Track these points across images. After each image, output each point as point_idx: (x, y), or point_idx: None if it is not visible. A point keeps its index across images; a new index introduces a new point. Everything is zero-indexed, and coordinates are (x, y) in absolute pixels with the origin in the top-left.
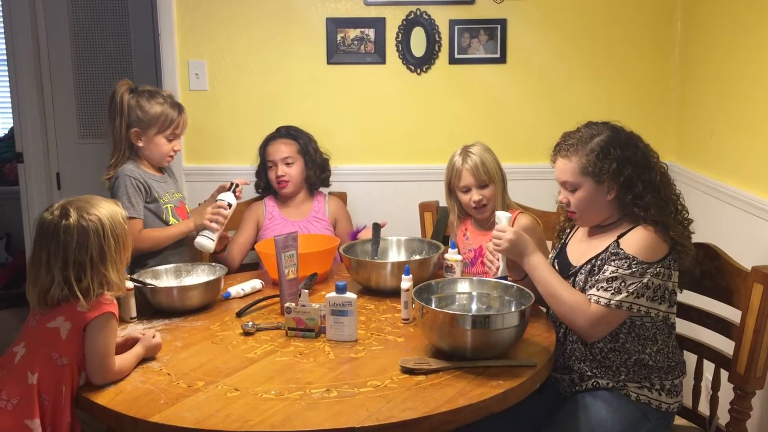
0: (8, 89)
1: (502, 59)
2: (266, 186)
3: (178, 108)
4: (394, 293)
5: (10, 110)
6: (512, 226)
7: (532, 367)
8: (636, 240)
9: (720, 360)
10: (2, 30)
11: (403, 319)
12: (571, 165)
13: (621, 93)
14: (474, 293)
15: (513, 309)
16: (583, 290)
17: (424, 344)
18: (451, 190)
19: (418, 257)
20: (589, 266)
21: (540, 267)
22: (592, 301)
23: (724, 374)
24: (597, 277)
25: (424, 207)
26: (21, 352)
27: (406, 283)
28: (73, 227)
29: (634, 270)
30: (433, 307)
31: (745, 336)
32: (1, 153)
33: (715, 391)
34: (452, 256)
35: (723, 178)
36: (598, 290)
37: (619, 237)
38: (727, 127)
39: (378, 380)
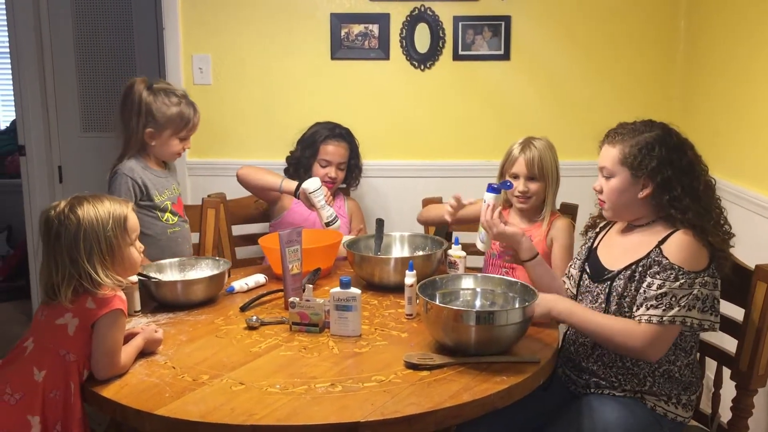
0: (11, 82)
1: (506, 56)
2: (298, 173)
3: (193, 107)
4: (397, 289)
5: (13, 103)
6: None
7: (536, 363)
8: (679, 247)
9: (723, 358)
10: (5, 23)
11: (407, 315)
12: (613, 152)
13: (625, 90)
14: (478, 289)
15: (517, 305)
16: (621, 296)
17: (428, 340)
18: (502, 174)
19: (421, 253)
20: (628, 272)
21: (573, 312)
22: (644, 321)
23: (726, 372)
24: (645, 295)
25: (427, 203)
26: (30, 347)
27: (409, 278)
28: (52, 220)
29: (682, 282)
30: (437, 302)
31: (748, 334)
32: (4, 145)
33: (717, 389)
34: (455, 252)
35: (727, 177)
36: (648, 309)
37: (660, 243)
38: (731, 126)
39: (382, 375)
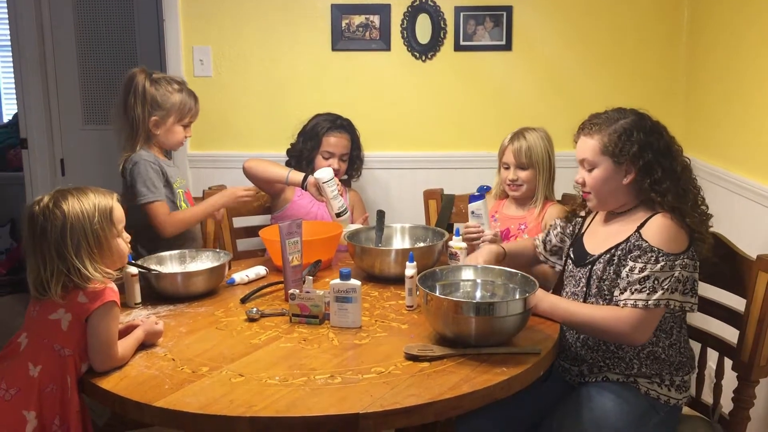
0: (12, 75)
1: (507, 46)
2: (301, 165)
3: (193, 94)
4: (398, 280)
5: (15, 96)
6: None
7: (536, 354)
8: (658, 230)
9: (724, 348)
10: (6, 16)
11: (407, 306)
12: (592, 143)
13: (627, 82)
14: (478, 280)
15: (517, 296)
16: (600, 279)
17: (428, 331)
18: (500, 165)
19: (422, 244)
20: (608, 256)
21: (556, 307)
22: (629, 305)
23: (728, 363)
24: (628, 279)
25: (428, 194)
26: (24, 342)
27: (410, 270)
28: (37, 216)
29: (662, 265)
30: (437, 294)
31: (750, 324)
32: (6, 139)
33: (718, 380)
34: (456, 243)
35: (729, 167)
36: (632, 293)
37: (640, 227)
38: (734, 117)
39: (382, 367)
